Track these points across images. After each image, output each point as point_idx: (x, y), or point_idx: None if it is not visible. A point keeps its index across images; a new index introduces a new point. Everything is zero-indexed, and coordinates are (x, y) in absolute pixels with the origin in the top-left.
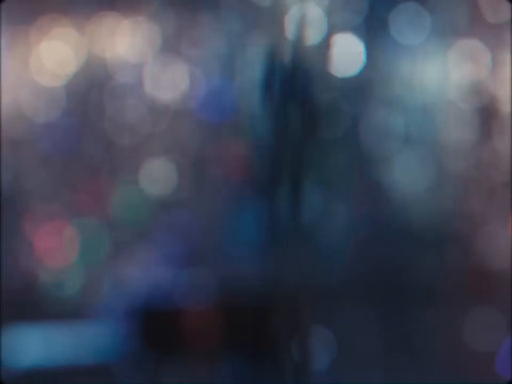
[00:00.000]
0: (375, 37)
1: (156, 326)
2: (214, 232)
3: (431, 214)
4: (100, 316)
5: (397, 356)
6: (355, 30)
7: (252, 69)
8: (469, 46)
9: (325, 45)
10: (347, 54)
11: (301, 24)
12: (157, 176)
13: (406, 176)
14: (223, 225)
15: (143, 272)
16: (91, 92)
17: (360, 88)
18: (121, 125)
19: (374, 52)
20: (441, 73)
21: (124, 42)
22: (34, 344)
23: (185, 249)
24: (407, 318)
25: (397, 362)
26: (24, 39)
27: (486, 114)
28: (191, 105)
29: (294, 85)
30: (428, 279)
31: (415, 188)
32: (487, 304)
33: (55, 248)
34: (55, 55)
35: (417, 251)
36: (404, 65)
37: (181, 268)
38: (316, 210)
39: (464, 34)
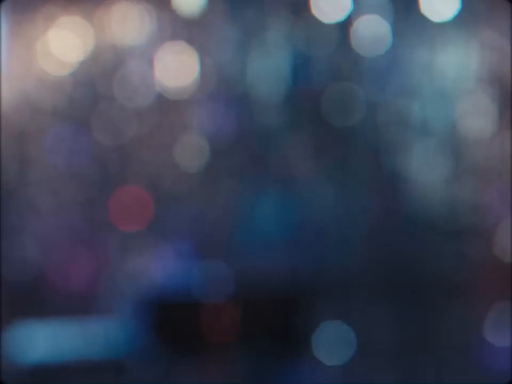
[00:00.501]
0: (401, 19)
1: (171, 320)
2: (231, 225)
3: (449, 206)
4: (113, 310)
5: (416, 351)
6: (381, 10)
7: (266, 56)
8: (490, 35)
9: (350, 25)
10: (373, 34)
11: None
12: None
13: (424, 166)
14: (240, 218)
15: (157, 264)
16: (99, 80)
17: (380, 73)
18: (130, 113)
19: (399, 34)
20: (461, 62)
21: (133, 30)
22: (45, 340)
23: (202, 242)
24: (425, 312)
25: (415, 357)
26: (32, 27)
27: (506, 104)
28: (201, 94)
29: (310, 72)
30: (447, 272)
31: (432, 178)
32: (506, 298)
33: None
34: (62, 43)
35: (435, 244)
36: (425, 51)
37: (197, 261)
38: (331, 202)
39: (485, 24)
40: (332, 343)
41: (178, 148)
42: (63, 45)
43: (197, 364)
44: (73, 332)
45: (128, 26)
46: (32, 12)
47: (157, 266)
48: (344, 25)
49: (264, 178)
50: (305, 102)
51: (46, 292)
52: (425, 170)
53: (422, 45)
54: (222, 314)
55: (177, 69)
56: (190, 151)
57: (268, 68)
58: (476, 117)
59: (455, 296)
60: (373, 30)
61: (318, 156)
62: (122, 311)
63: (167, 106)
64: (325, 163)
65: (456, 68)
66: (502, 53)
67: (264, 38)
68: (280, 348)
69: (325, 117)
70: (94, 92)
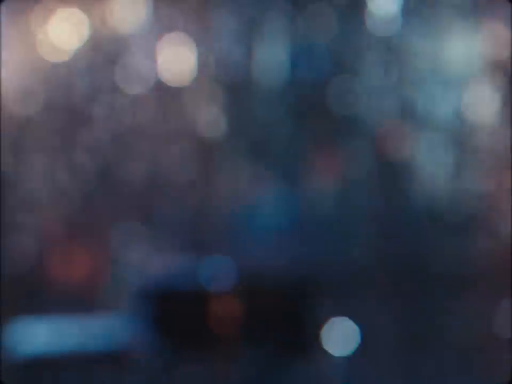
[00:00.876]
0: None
1: (174, 313)
2: (235, 217)
3: (454, 197)
4: (115, 304)
5: (421, 346)
6: None
7: (267, 47)
8: (492, 25)
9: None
10: (383, 14)
11: None
12: None
13: (428, 157)
14: (244, 210)
15: (160, 257)
16: (98, 70)
17: (384, 60)
18: (130, 103)
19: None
20: (468, 51)
21: (132, 21)
22: (46, 336)
23: (205, 234)
24: (431, 307)
25: (420, 353)
26: (31, 18)
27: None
28: (200, 83)
29: (313, 61)
30: (453, 266)
31: (437, 169)
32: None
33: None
34: (61, 33)
35: (440, 236)
36: (432, 40)
37: (200, 253)
38: (334, 195)
39: (487, 14)
40: (338, 339)
41: (178, 139)
42: (62, 36)
43: (200, 357)
44: (74, 327)
45: (127, 17)
46: (31, 3)
47: (159, 259)
48: (350, 9)
49: (266, 170)
50: (308, 91)
51: (46, 287)
52: (430, 161)
53: (430, 32)
54: (227, 308)
55: (176, 59)
56: (190, 143)
57: (270, 56)
58: (482, 107)
59: (461, 290)
60: (383, 11)
61: (320, 146)
62: (124, 305)
63: (166, 96)
64: (328, 154)
65: (463, 57)
66: (504, 43)
67: (266, 24)
68: (285, 342)
69: (328, 106)
70: (93, 81)
